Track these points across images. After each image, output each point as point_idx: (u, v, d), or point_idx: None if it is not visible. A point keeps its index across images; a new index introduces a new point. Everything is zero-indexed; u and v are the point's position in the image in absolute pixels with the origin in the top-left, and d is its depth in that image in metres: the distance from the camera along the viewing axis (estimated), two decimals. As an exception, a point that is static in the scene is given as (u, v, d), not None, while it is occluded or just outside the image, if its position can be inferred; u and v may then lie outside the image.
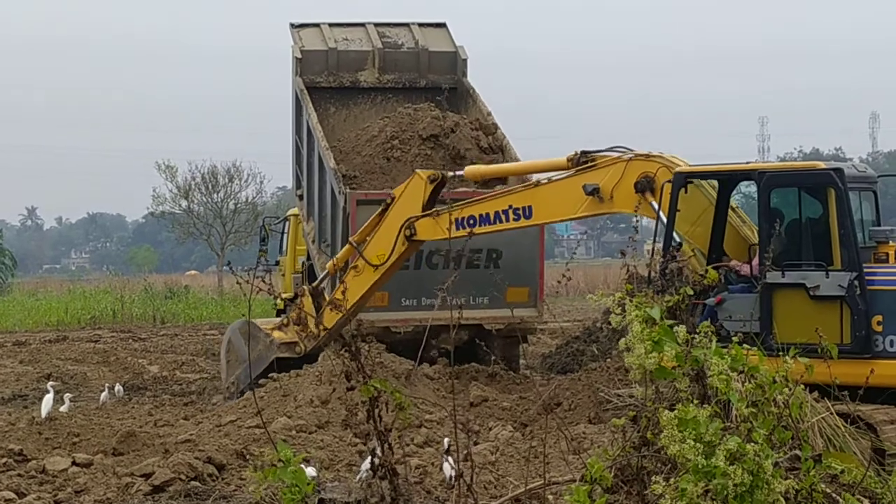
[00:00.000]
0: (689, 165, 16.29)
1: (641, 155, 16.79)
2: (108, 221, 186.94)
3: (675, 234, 15.69)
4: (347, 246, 20.02)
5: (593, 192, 16.90)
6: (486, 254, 22.14)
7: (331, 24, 25.37)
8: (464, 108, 24.40)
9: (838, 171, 14.32)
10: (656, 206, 15.92)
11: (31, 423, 18.00)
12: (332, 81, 24.88)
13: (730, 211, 16.12)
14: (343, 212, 22.04)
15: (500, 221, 18.20)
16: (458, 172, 20.15)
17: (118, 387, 23.61)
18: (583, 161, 17.36)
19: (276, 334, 20.92)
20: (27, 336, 40.19)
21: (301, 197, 25.09)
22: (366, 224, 19.84)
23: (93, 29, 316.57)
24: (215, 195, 71.49)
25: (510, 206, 17.99)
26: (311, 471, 12.20)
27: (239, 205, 71.58)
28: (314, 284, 20.79)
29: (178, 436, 16.63)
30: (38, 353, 32.78)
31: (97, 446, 16.63)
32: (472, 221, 18.30)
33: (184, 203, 72.19)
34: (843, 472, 8.31)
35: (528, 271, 22.64)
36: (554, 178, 17.85)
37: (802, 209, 14.92)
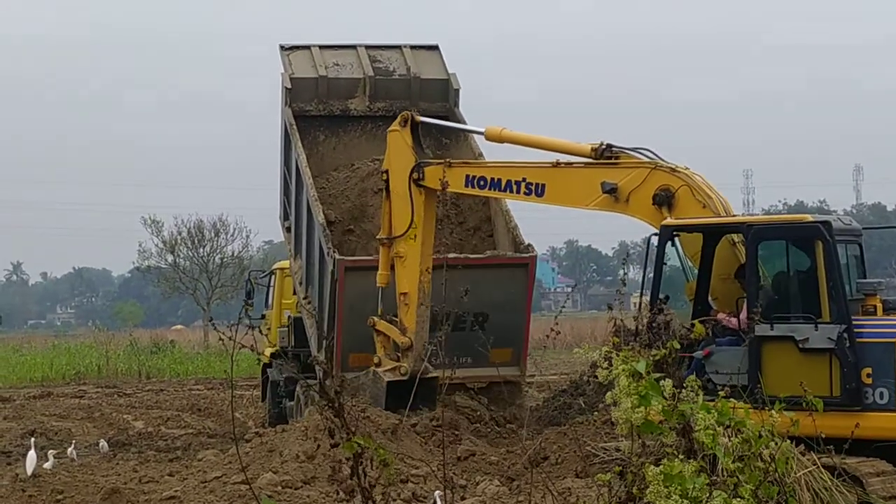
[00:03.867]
0: (709, 193, 16.11)
1: (667, 167, 16.49)
2: (93, 276, 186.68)
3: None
4: (382, 248, 19.89)
5: (611, 190, 16.68)
6: (472, 317, 21.71)
7: (321, 47, 24.89)
8: (454, 142, 24.08)
9: (826, 223, 14.32)
10: None
11: (14, 481, 17.87)
12: (322, 110, 24.54)
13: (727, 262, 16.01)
14: (331, 276, 21.73)
15: (511, 191, 18.21)
16: (434, 120, 20.77)
17: (103, 442, 23.50)
18: (606, 155, 17.06)
19: (378, 370, 20.22)
20: (11, 392, 40.02)
21: (289, 230, 24.78)
22: (382, 217, 19.89)
23: (75, 82, 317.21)
24: (201, 249, 71.58)
25: (524, 179, 17.84)
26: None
27: (225, 259, 71.65)
28: (379, 314, 20.24)
29: (163, 492, 16.49)
30: (23, 410, 32.65)
31: (81, 503, 16.50)
32: (482, 182, 18.41)
33: (170, 257, 72.30)
34: (830, 525, 8.26)
35: (514, 334, 22.37)
36: (574, 164, 17.57)
37: (790, 262, 14.91)
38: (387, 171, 19.66)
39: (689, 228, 15.76)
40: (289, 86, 24.28)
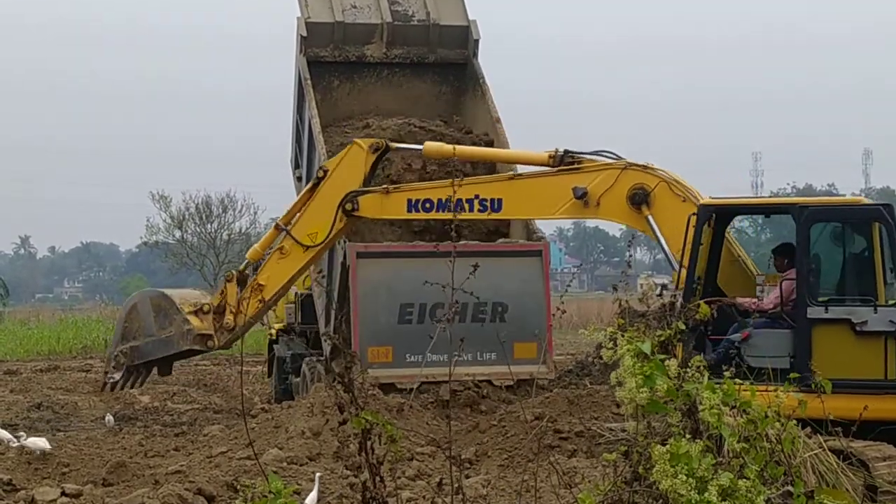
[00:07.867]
0: (686, 186, 15.93)
1: (638, 165, 16.26)
2: (101, 251, 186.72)
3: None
4: (272, 228, 19.05)
5: (583, 195, 16.33)
6: (491, 307, 21.29)
7: None
8: (471, 96, 23.21)
9: (888, 206, 14.14)
10: (652, 221, 15.66)
11: (20, 453, 17.90)
12: (338, 56, 23.99)
13: (731, 244, 15.90)
14: (342, 266, 21.17)
15: (463, 210, 17.15)
16: (412, 146, 18.96)
17: (109, 416, 23.57)
18: (567, 161, 16.71)
19: (194, 321, 19.72)
20: (18, 365, 40.05)
21: (300, 179, 24.35)
22: (293, 203, 18.79)
23: (87, 65, 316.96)
24: (209, 225, 71.66)
25: (476, 196, 17.05)
26: (312, 496, 12.19)
27: (233, 235, 71.70)
28: (241, 268, 19.64)
29: (169, 467, 16.52)
30: (30, 383, 32.71)
31: (87, 477, 16.54)
32: (427, 206, 17.43)
33: (177, 233, 72.36)
34: (835, 508, 8.27)
35: (535, 327, 21.51)
36: (535, 174, 17.13)
37: (846, 245, 14.69)
38: (325, 171, 18.42)
39: (730, 209, 15.45)
40: (304, 33, 23.66)
